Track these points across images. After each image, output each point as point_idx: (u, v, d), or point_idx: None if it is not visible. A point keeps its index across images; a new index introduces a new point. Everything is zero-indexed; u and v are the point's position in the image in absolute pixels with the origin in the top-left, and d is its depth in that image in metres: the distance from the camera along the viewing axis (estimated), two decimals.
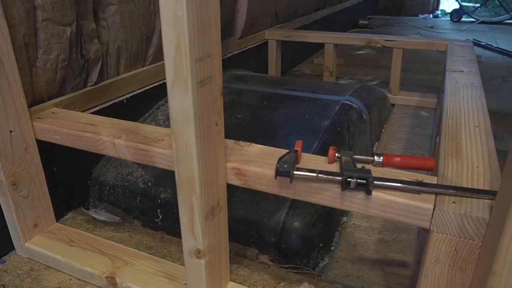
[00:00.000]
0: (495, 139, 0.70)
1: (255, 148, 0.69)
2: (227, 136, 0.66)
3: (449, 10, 4.74)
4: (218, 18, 0.54)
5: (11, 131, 0.77)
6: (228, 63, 1.60)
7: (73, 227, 0.92)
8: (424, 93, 1.77)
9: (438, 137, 0.82)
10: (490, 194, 0.52)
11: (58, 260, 0.81)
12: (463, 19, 4.05)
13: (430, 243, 0.52)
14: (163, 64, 0.53)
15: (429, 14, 4.55)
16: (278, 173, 0.58)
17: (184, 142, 0.56)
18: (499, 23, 4.09)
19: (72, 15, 0.91)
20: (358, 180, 0.54)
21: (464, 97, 0.89)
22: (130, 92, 1.12)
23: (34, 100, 0.89)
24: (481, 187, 0.55)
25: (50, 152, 0.89)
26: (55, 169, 0.94)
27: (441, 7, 4.97)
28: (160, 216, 0.95)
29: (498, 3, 4.28)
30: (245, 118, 1.16)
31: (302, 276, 0.82)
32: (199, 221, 0.60)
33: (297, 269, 0.84)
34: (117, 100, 1.08)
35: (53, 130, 0.81)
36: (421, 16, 4.45)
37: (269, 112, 1.21)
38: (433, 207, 0.52)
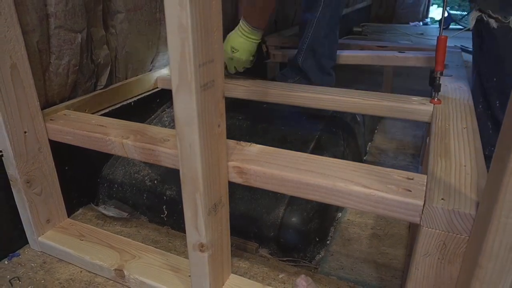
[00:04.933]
0: None
1: (256, 148, 0.69)
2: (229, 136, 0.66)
3: (438, 18, 4.74)
4: (220, 25, 0.54)
5: (25, 132, 0.77)
6: None
7: (83, 223, 0.92)
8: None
9: (428, 137, 0.82)
10: None
11: (69, 253, 0.81)
12: (451, 26, 4.04)
13: (420, 238, 0.52)
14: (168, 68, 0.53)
15: (419, 21, 4.55)
16: None
17: (188, 142, 0.56)
18: None
19: (83, 22, 0.91)
20: None
21: (452, 100, 0.89)
22: (137, 95, 1.12)
23: (47, 102, 0.89)
24: (468, 185, 0.55)
25: (62, 152, 0.88)
26: (67, 168, 0.94)
27: (431, 15, 4.97)
28: (166, 212, 0.95)
29: None
30: (246, 119, 1.16)
31: (299, 269, 0.82)
32: (202, 217, 0.60)
33: (294, 262, 0.84)
34: (125, 103, 1.08)
35: (65, 131, 0.81)
36: (411, 23, 4.44)
37: (268, 113, 1.20)
38: (423, 203, 0.52)
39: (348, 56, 1.37)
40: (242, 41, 0.94)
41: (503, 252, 0.43)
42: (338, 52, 1.32)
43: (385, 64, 1.36)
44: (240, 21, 0.94)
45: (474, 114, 0.81)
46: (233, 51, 0.95)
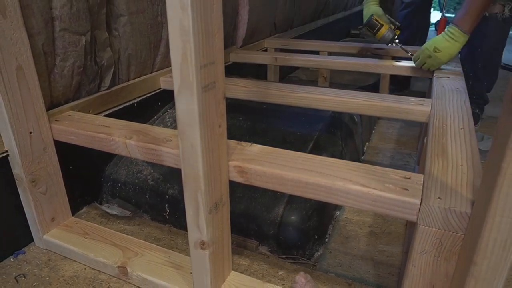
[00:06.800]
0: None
1: (256, 148, 0.69)
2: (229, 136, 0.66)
3: (433, 21, 4.73)
4: (221, 28, 0.54)
5: (30, 132, 0.77)
6: (230, 70, 1.59)
7: (87, 221, 0.92)
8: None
9: (426, 137, 0.82)
10: None
11: (74, 251, 0.81)
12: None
13: (417, 235, 0.52)
14: (170, 70, 0.53)
15: None
16: None
17: (190, 142, 0.56)
18: None
19: (87, 25, 0.91)
20: None
21: (450, 101, 0.89)
22: (139, 96, 1.12)
23: (52, 103, 0.89)
24: (464, 184, 0.55)
25: (66, 152, 0.89)
26: (71, 167, 0.94)
27: None
28: (168, 211, 0.95)
29: None
30: (247, 120, 1.16)
31: (298, 266, 0.82)
32: (203, 215, 0.60)
33: (294, 259, 0.84)
34: (128, 104, 1.08)
35: (69, 131, 0.81)
36: None
37: (268, 114, 1.20)
38: (420, 202, 0.52)
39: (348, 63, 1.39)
40: (447, 45, 1.05)
41: (498, 250, 0.43)
42: (337, 57, 1.37)
43: (382, 72, 1.41)
44: (449, 26, 1.05)
45: (471, 115, 0.81)
46: (435, 51, 1.06)
